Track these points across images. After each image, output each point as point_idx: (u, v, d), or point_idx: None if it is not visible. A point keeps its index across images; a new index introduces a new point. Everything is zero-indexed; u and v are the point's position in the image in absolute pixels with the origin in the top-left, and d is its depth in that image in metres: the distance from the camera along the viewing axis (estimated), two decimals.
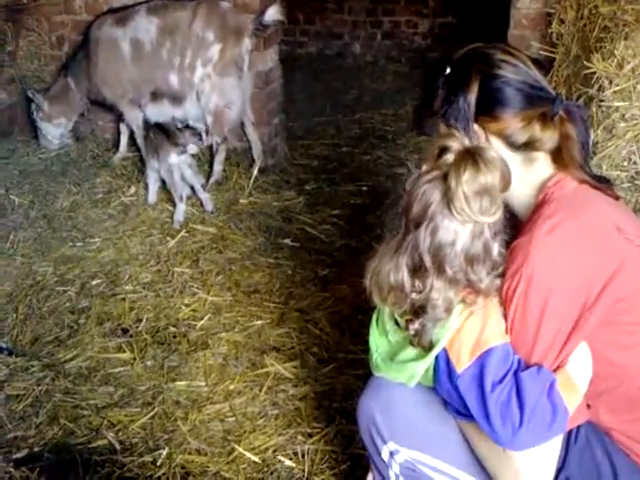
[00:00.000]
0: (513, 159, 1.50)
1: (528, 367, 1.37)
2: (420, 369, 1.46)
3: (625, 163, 2.50)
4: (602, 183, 1.53)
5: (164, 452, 2.19)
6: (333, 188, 3.98)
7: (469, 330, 1.40)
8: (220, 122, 3.85)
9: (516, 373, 1.36)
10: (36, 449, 2.22)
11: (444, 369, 1.43)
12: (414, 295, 1.42)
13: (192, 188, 3.68)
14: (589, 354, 1.40)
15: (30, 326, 2.81)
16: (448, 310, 1.41)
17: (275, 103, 4.30)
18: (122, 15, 3.86)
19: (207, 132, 3.83)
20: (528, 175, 1.52)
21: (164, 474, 2.12)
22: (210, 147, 3.98)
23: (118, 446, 2.22)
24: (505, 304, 1.41)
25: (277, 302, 2.92)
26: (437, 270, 1.39)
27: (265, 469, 2.13)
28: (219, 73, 3.77)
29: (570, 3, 3.34)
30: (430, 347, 1.43)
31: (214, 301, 2.93)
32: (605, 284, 1.37)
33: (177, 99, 3.86)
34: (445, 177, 1.37)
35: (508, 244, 1.43)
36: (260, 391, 2.42)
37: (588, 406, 1.43)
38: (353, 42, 6.80)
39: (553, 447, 1.40)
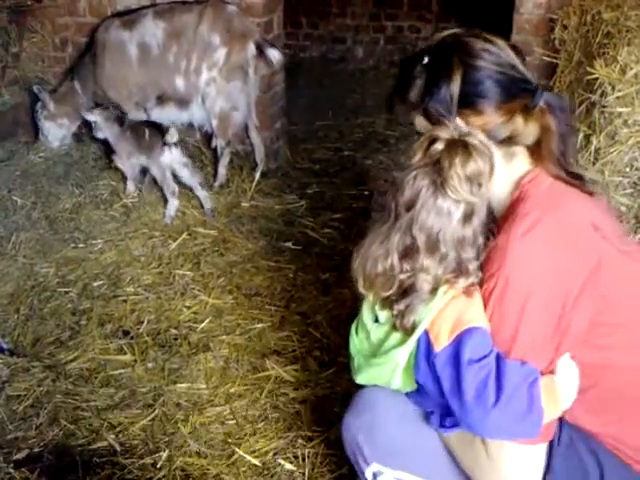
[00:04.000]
0: (495, 153, 1.46)
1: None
2: (403, 355, 1.45)
3: (627, 169, 2.50)
4: (576, 179, 1.50)
5: (164, 454, 2.18)
6: (335, 192, 3.98)
7: (451, 310, 1.40)
8: (225, 126, 3.87)
9: (499, 358, 1.34)
10: (36, 450, 2.22)
11: (423, 351, 1.42)
12: (402, 277, 1.43)
13: (189, 188, 3.69)
14: (577, 373, 1.38)
15: (31, 327, 2.81)
16: (434, 290, 1.41)
17: (277, 107, 4.31)
18: (129, 18, 3.87)
19: (212, 135, 3.85)
20: (508, 171, 1.49)
21: (164, 476, 2.12)
22: (214, 150, 3.99)
23: (118, 448, 2.22)
24: (483, 306, 1.40)
25: (278, 305, 2.92)
26: (429, 249, 1.40)
27: (265, 472, 2.12)
28: (225, 77, 3.78)
29: (573, 9, 3.35)
30: (412, 329, 1.42)
31: (215, 304, 2.93)
32: (584, 283, 1.35)
33: (183, 102, 3.88)
34: (436, 164, 1.38)
35: (487, 241, 1.43)
36: (261, 394, 2.42)
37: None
38: (356, 46, 6.81)
39: (538, 456, 1.39)
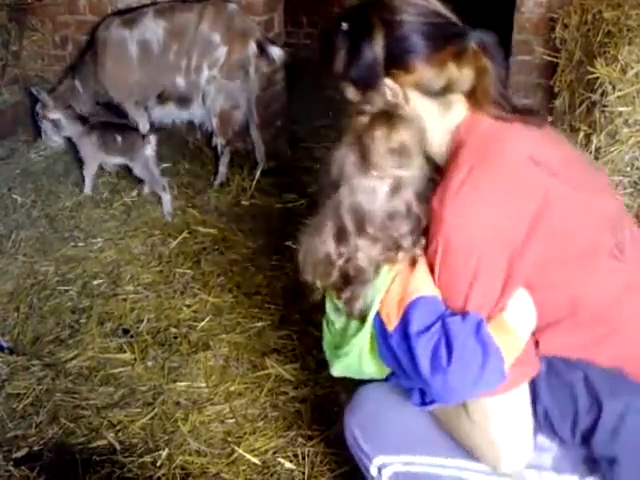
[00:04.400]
0: (431, 108, 1.41)
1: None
2: (363, 341, 1.42)
3: (628, 168, 2.50)
4: (521, 113, 1.41)
5: (164, 453, 2.18)
6: None
7: (396, 287, 1.37)
8: (225, 124, 3.87)
9: (443, 321, 1.31)
10: (36, 448, 2.22)
11: (380, 335, 1.39)
12: (340, 262, 1.39)
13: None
14: (528, 300, 1.33)
15: (31, 325, 2.81)
16: (375, 272, 1.38)
17: (278, 106, 4.31)
18: (130, 17, 3.87)
19: (212, 134, 3.86)
20: (446, 122, 1.43)
21: (164, 475, 2.12)
22: (214, 149, 3.99)
23: (118, 446, 2.22)
24: (430, 266, 1.36)
25: (278, 304, 2.92)
26: (359, 230, 1.37)
27: (265, 471, 2.12)
28: (225, 75, 3.78)
29: (574, 8, 3.34)
30: (364, 315, 1.40)
31: (215, 302, 2.93)
32: (530, 226, 1.29)
33: (184, 101, 3.88)
34: (360, 139, 1.34)
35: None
36: (261, 393, 2.42)
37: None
38: None
39: (517, 402, 1.33)
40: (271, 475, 2.11)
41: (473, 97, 1.40)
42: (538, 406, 1.36)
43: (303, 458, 2.15)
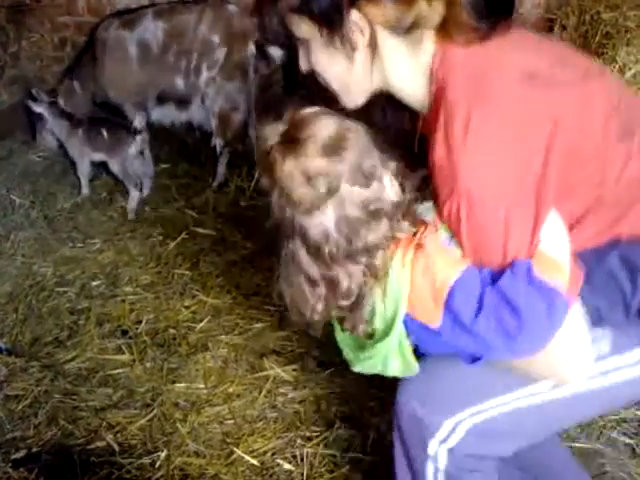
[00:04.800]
0: (400, 48, 1.32)
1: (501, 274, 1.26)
2: (388, 346, 1.36)
3: None
4: (495, 29, 1.29)
5: (163, 454, 2.18)
6: None
7: (419, 284, 1.28)
8: (225, 126, 3.87)
9: (494, 286, 1.24)
10: (34, 450, 2.22)
11: (424, 332, 1.32)
12: (322, 305, 1.32)
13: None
14: (557, 220, 1.28)
15: (29, 326, 2.80)
16: (373, 286, 1.30)
17: (277, 107, 4.30)
18: (129, 18, 3.87)
19: (212, 134, 3.86)
20: (417, 62, 1.33)
21: (162, 476, 2.11)
22: (213, 149, 3.99)
23: (117, 448, 2.22)
24: (453, 229, 1.27)
25: (277, 305, 2.91)
26: (328, 267, 1.28)
27: (264, 472, 2.12)
28: (224, 76, 3.78)
29: (572, 9, 3.35)
30: (372, 335, 1.34)
31: (214, 303, 2.92)
32: (546, 150, 1.22)
33: (183, 102, 3.89)
34: (274, 179, 1.26)
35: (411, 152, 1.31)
36: (259, 394, 2.42)
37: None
38: None
39: (577, 316, 1.28)
40: (270, 476, 2.11)
41: (443, 30, 1.29)
42: (585, 307, 1.31)
43: (302, 459, 2.15)
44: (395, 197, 1.30)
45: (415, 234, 1.31)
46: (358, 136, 1.29)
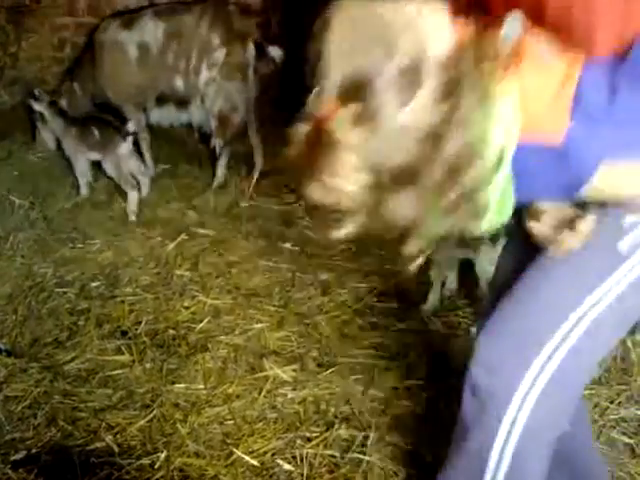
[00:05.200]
0: None
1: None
2: (500, 178, 1.16)
3: None
4: None
5: (162, 455, 2.18)
6: None
7: (534, 89, 1.13)
8: (224, 126, 3.87)
9: (623, 62, 1.13)
10: (34, 451, 2.21)
11: (536, 159, 1.16)
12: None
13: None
14: None
15: (29, 327, 2.80)
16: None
17: (276, 107, 4.30)
18: (129, 18, 3.87)
19: (211, 135, 3.86)
20: None
21: (162, 477, 2.11)
22: (213, 150, 3.99)
23: (116, 449, 2.21)
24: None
25: (277, 306, 2.92)
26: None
27: (264, 473, 2.12)
28: (224, 77, 3.78)
29: None
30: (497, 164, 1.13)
31: (214, 304, 2.92)
32: None
33: (182, 103, 3.89)
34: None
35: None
36: (259, 394, 2.42)
37: None
38: None
39: None
40: (270, 477, 2.11)
41: None
42: None
43: (302, 460, 2.14)
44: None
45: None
46: None
